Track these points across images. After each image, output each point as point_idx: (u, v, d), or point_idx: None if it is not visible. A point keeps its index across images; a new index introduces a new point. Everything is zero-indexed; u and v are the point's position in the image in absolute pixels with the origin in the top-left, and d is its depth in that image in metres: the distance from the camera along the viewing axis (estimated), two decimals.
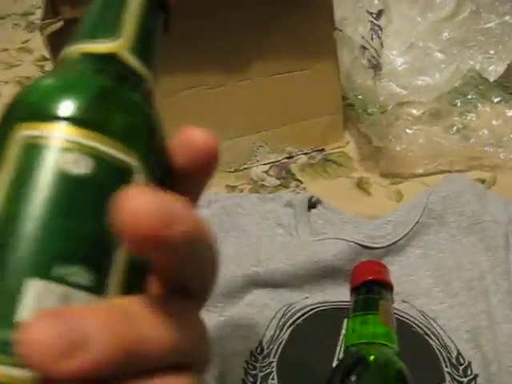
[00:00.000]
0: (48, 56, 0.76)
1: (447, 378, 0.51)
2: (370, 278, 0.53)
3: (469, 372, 0.51)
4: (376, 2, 0.77)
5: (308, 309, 0.57)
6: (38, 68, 1.18)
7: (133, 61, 0.25)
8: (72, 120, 0.21)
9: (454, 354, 0.52)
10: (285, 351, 0.54)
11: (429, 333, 0.54)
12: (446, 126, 0.80)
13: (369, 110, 0.78)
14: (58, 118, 0.21)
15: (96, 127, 0.21)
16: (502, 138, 0.77)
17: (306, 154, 0.84)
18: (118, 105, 0.23)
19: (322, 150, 0.85)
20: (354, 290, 0.54)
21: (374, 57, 0.73)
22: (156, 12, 0.27)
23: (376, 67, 0.74)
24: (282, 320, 0.56)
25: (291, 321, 0.56)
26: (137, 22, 0.26)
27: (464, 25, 0.86)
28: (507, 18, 0.85)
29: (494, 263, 0.56)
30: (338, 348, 0.53)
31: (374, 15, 0.76)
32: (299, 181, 0.80)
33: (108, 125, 0.22)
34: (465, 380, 0.50)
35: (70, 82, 0.23)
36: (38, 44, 1.18)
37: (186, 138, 0.25)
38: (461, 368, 0.51)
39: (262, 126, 0.81)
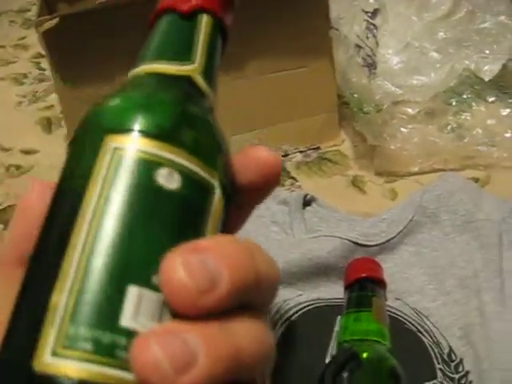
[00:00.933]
0: (44, 53, 0.76)
1: (439, 374, 0.51)
2: (364, 275, 0.53)
3: (460, 368, 0.51)
4: (371, 1, 0.77)
5: (302, 306, 0.58)
6: (33, 65, 1.18)
7: (203, 83, 0.27)
8: (164, 137, 0.22)
9: (446, 351, 0.52)
10: (278, 347, 0.54)
11: (421, 330, 0.54)
12: (441, 125, 0.81)
13: (364, 109, 0.78)
14: (151, 134, 0.22)
15: (184, 146, 0.23)
16: (495, 138, 0.77)
17: (301, 152, 0.84)
18: (200, 125, 0.24)
19: (318, 148, 0.85)
20: (348, 287, 0.54)
21: (369, 55, 0.74)
22: (220, 38, 0.29)
23: (371, 66, 0.74)
24: (276, 317, 0.57)
25: (285, 317, 0.56)
26: (207, 48, 0.28)
27: (460, 25, 0.87)
28: (502, 17, 0.86)
29: (487, 261, 0.57)
30: (331, 345, 0.54)
31: (370, 14, 0.76)
32: (294, 179, 0.80)
33: (193, 144, 0.23)
34: (456, 376, 0.50)
35: (157, 99, 0.24)
36: (34, 41, 1.18)
37: (252, 155, 0.27)
38: (452, 364, 0.51)
39: (257, 124, 0.81)
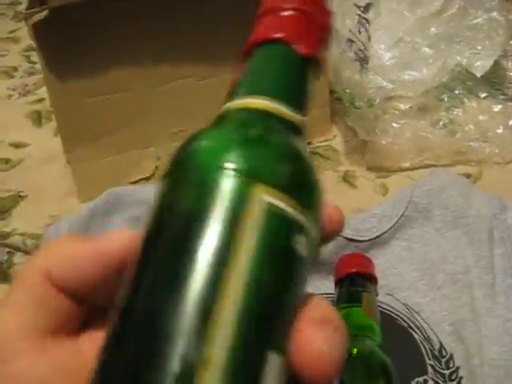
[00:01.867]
0: (34, 46, 0.75)
1: (429, 370, 0.51)
2: (354, 270, 0.53)
3: (451, 364, 0.51)
4: None
5: None
6: (24, 58, 1.17)
7: (307, 135, 0.25)
8: (300, 199, 0.21)
9: (437, 347, 0.52)
10: None
11: (412, 326, 0.54)
12: (433, 121, 0.81)
13: (356, 104, 0.78)
14: (289, 193, 0.21)
15: (312, 210, 0.22)
16: (487, 133, 0.77)
17: None
18: (319, 187, 0.23)
19: (309, 143, 0.84)
20: (338, 283, 0.54)
21: (361, 50, 0.73)
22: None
23: (363, 60, 0.74)
24: None
25: None
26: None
27: (452, 20, 0.87)
28: (494, 13, 0.86)
29: (478, 257, 0.57)
30: None
31: (362, 8, 0.76)
32: None
33: (317, 207, 0.22)
34: (447, 372, 0.50)
35: (296, 156, 0.23)
36: (25, 34, 1.17)
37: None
38: (443, 360, 0.51)
39: None
